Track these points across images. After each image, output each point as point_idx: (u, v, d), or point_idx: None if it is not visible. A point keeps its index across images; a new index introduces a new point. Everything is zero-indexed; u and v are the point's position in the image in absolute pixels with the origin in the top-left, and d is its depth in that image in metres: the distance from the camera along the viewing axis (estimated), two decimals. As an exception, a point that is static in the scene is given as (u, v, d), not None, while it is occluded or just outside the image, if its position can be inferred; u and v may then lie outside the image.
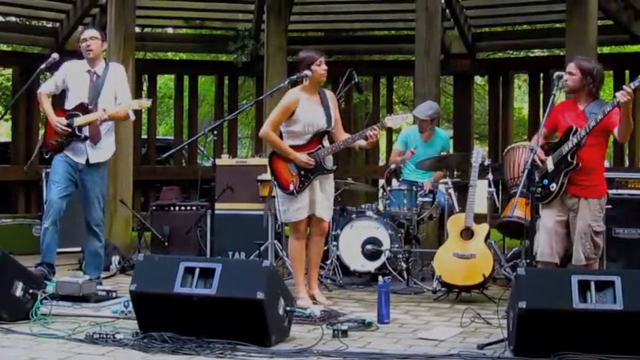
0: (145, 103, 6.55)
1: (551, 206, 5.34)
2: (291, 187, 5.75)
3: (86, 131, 6.23)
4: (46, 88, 6.46)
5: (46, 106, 6.37)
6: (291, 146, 5.80)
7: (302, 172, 5.77)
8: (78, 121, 6.19)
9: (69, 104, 6.34)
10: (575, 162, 5.22)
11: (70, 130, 6.19)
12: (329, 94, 6.00)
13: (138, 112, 7.25)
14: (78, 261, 7.47)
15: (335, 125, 5.91)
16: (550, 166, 5.31)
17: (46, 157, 6.41)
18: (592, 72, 5.32)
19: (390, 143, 11.38)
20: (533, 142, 5.35)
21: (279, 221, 6.21)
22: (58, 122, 6.20)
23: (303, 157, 5.74)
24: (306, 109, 5.78)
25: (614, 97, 5.00)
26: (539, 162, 5.32)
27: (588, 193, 5.28)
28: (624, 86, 4.95)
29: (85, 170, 6.28)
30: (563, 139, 5.29)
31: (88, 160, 6.26)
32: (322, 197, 5.84)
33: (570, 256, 5.49)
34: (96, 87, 6.28)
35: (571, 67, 5.34)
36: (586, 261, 5.24)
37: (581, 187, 5.27)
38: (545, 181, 5.31)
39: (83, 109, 6.22)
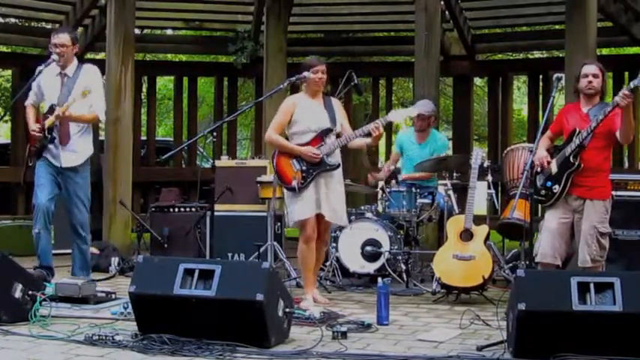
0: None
1: (556, 208, 5.31)
2: (294, 183, 5.75)
3: (55, 133, 6.19)
4: (30, 99, 6.46)
5: (28, 115, 6.38)
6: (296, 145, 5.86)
7: (304, 168, 5.79)
8: (46, 122, 6.17)
9: (45, 109, 6.32)
10: (577, 163, 5.19)
11: (42, 133, 6.16)
12: (335, 101, 6.09)
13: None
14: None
15: (342, 131, 5.95)
16: (554, 168, 5.28)
17: (30, 164, 6.35)
18: (604, 73, 5.35)
19: (389, 145, 11.39)
20: (535, 144, 5.34)
21: (287, 224, 6.14)
22: (32, 129, 6.21)
23: (310, 149, 5.77)
24: (305, 111, 5.86)
25: (614, 99, 5.00)
26: (544, 166, 5.29)
27: (593, 194, 5.25)
28: (622, 91, 4.94)
29: (64, 173, 6.27)
30: (566, 141, 5.28)
31: (62, 165, 6.24)
32: (326, 196, 5.83)
33: (570, 257, 5.47)
34: (66, 88, 6.22)
35: (595, 69, 5.29)
36: (592, 263, 5.20)
37: (587, 189, 5.24)
38: (549, 183, 5.29)
39: (52, 111, 6.19)
